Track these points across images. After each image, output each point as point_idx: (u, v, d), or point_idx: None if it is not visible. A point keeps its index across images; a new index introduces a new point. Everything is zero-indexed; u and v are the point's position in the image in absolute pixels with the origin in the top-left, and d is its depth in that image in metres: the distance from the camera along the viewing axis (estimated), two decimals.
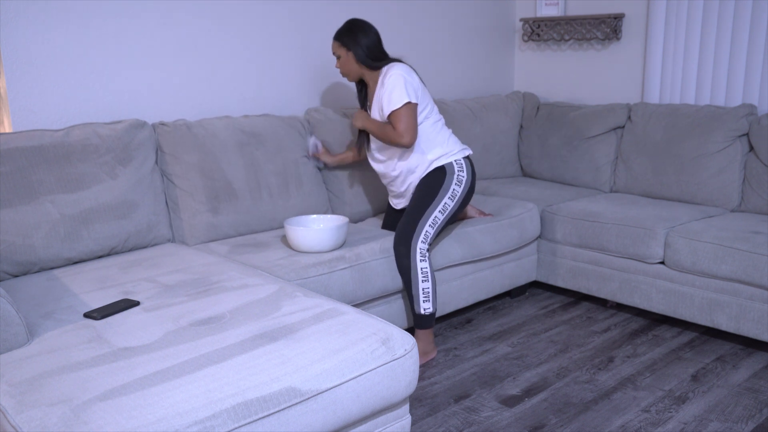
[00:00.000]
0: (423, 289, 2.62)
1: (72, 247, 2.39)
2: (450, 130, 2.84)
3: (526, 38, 4.19)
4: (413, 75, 2.69)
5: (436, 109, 2.81)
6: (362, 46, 2.71)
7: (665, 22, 3.54)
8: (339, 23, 3.43)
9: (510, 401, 2.40)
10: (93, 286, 2.16)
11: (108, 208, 2.48)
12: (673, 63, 3.54)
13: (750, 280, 2.61)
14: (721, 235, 2.71)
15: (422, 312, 2.63)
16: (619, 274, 3.03)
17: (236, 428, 1.43)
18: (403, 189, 2.83)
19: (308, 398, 1.55)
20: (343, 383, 1.62)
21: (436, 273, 2.87)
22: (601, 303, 3.30)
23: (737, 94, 3.35)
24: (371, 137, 2.83)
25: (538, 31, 4.10)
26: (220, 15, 3.01)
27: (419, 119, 2.70)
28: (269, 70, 3.22)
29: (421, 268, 2.61)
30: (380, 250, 2.62)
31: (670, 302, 2.88)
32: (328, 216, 2.75)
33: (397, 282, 2.67)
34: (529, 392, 2.46)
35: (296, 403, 1.53)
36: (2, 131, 2.55)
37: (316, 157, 3.06)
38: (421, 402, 2.40)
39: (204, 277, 2.20)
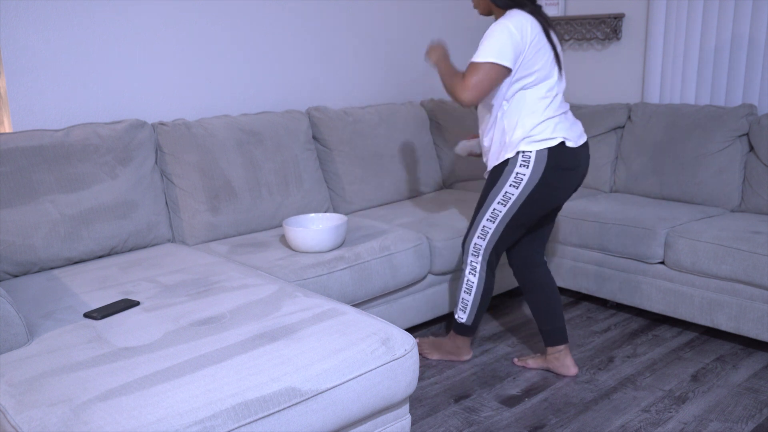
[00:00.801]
0: (462, 298, 2.54)
1: (72, 247, 2.39)
2: (561, 112, 2.31)
3: None
4: (526, 31, 2.20)
5: (552, 80, 2.29)
6: None
7: (665, 22, 3.54)
8: (338, 22, 3.43)
9: (510, 401, 2.40)
10: (93, 286, 2.16)
11: (108, 208, 2.48)
12: (673, 63, 3.54)
13: (750, 280, 2.61)
14: (721, 235, 2.71)
15: (455, 318, 2.59)
16: (619, 274, 3.03)
17: (236, 428, 1.43)
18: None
19: (308, 398, 1.55)
20: (343, 383, 1.62)
21: (445, 275, 2.87)
22: (601, 303, 3.30)
23: (737, 94, 3.35)
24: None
25: None
26: (220, 15, 3.01)
27: (517, 85, 2.26)
28: (269, 69, 3.22)
29: (467, 280, 2.49)
30: (380, 248, 2.62)
31: (670, 302, 2.88)
32: (327, 215, 2.75)
33: (397, 281, 2.67)
34: (529, 392, 2.46)
35: (296, 403, 1.53)
36: (2, 131, 2.55)
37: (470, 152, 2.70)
38: (421, 402, 2.40)
39: (204, 277, 2.20)
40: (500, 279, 3.16)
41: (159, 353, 1.65)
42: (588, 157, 2.42)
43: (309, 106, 3.32)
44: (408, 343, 1.78)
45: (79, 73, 2.67)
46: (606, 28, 3.78)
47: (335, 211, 3.18)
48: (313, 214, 2.76)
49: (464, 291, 2.53)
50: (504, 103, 2.31)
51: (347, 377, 1.63)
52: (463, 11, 3.99)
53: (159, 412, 1.39)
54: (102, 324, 1.84)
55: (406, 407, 1.86)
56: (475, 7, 2.41)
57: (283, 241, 2.71)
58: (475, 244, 2.45)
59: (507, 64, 2.19)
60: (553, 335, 2.55)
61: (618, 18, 3.74)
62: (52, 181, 2.39)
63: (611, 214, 3.05)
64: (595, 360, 2.70)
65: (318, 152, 3.18)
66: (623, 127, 3.57)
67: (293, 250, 2.58)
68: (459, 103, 2.24)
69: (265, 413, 1.48)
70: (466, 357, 2.69)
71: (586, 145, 2.40)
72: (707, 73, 3.43)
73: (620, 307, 3.24)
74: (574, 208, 3.19)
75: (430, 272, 2.87)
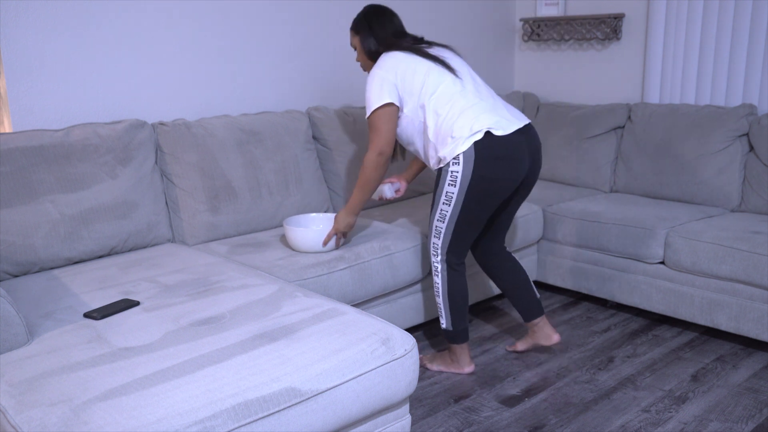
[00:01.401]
0: (437, 303, 2.52)
1: (72, 247, 2.39)
2: (473, 104, 2.34)
3: (526, 38, 4.19)
4: (390, 66, 2.37)
5: (446, 85, 2.36)
6: (375, 36, 2.48)
7: (665, 22, 3.54)
8: (338, 21, 3.43)
9: (510, 401, 2.40)
10: (93, 286, 2.16)
11: (108, 208, 2.49)
12: (673, 63, 3.54)
13: (750, 280, 2.61)
14: (721, 235, 2.71)
15: (440, 325, 2.58)
16: (619, 274, 3.03)
17: (236, 428, 1.43)
18: None
19: (308, 398, 1.55)
20: (343, 383, 1.62)
21: None
22: (601, 303, 3.30)
23: (737, 94, 3.35)
24: (398, 143, 2.66)
25: (538, 31, 4.10)
26: (220, 15, 3.01)
27: (416, 108, 2.39)
28: (269, 69, 3.22)
29: (434, 283, 2.50)
30: (380, 248, 2.62)
31: (670, 302, 2.88)
32: (328, 215, 2.75)
33: (397, 281, 2.67)
34: (529, 392, 2.46)
35: (296, 403, 1.53)
36: (2, 131, 2.55)
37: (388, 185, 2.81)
38: (421, 402, 2.40)
39: (204, 277, 2.20)
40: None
41: (159, 353, 1.65)
42: (528, 144, 2.38)
43: (309, 106, 3.32)
44: (408, 343, 1.78)
45: (79, 73, 2.67)
46: (606, 28, 3.78)
47: (335, 210, 3.18)
48: (314, 214, 2.76)
49: (435, 295, 2.52)
50: (421, 128, 2.42)
51: (347, 377, 1.63)
52: (464, 11, 4.00)
53: (159, 412, 1.39)
54: (102, 324, 1.84)
55: (406, 407, 1.86)
56: (362, 66, 2.60)
57: (283, 240, 2.71)
58: (433, 243, 2.46)
59: (389, 101, 2.36)
60: (529, 310, 2.63)
61: (618, 18, 3.74)
62: (52, 181, 2.39)
63: (611, 214, 3.05)
64: (595, 360, 2.70)
65: (318, 152, 3.18)
66: (623, 127, 3.57)
67: (293, 250, 2.58)
68: (383, 161, 2.41)
69: (265, 413, 1.48)
70: (468, 369, 2.59)
71: (522, 131, 2.36)
72: (707, 73, 3.43)
73: (620, 307, 3.24)
74: (574, 208, 3.19)
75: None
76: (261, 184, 2.86)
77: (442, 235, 2.42)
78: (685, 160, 3.23)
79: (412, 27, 3.75)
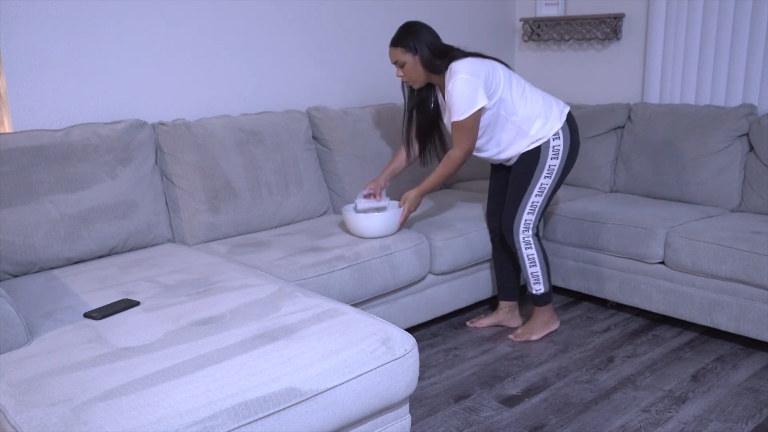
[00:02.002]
0: (532, 273, 2.77)
1: (72, 247, 2.39)
2: (540, 92, 2.72)
3: (526, 38, 4.19)
4: (475, 71, 2.50)
5: (514, 78, 2.65)
6: (427, 44, 2.56)
7: (665, 22, 3.54)
8: (338, 21, 3.43)
9: (510, 401, 2.40)
10: (93, 286, 2.16)
11: (108, 208, 2.48)
12: (673, 63, 3.54)
13: (750, 280, 2.61)
14: (721, 235, 2.71)
15: (534, 293, 2.82)
16: (619, 274, 3.03)
17: (236, 428, 1.43)
18: (508, 161, 2.81)
19: (308, 398, 1.55)
20: (343, 383, 1.62)
21: (445, 275, 2.87)
22: (601, 303, 3.30)
23: (737, 94, 3.35)
24: (443, 139, 2.88)
25: (538, 31, 4.10)
26: (220, 15, 3.01)
27: (495, 101, 2.58)
28: (269, 69, 3.22)
29: (527, 255, 2.75)
30: (380, 248, 2.62)
31: (670, 302, 2.88)
32: (380, 202, 2.83)
33: (397, 281, 2.67)
34: (529, 392, 2.46)
35: (296, 403, 1.53)
36: (2, 131, 2.55)
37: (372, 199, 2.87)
38: (421, 402, 2.40)
39: (204, 277, 2.20)
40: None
41: (159, 353, 1.65)
42: None
43: (309, 106, 3.32)
44: (408, 343, 1.77)
45: (79, 73, 2.67)
46: (606, 28, 3.78)
47: (335, 210, 3.18)
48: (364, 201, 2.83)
49: (529, 266, 2.77)
50: (504, 121, 2.65)
51: (347, 377, 1.63)
52: (464, 11, 4.00)
53: (159, 412, 1.39)
54: (102, 324, 1.84)
55: (406, 407, 1.86)
56: (411, 82, 2.68)
57: (343, 227, 2.72)
58: (525, 220, 2.72)
59: (482, 104, 2.53)
60: (509, 291, 3.00)
61: (618, 18, 3.74)
62: (52, 181, 2.39)
63: (611, 214, 3.05)
64: (595, 360, 2.70)
65: (318, 152, 3.18)
66: (623, 127, 3.57)
67: (362, 237, 2.68)
68: (464, 161, 2.63)
69: (265, 413, 1.48)
70: (557, 324, 2.93)
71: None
72: (707, 73, 3.43)
73: (620, 307, 3.24)
74: (574, 208, 3.19)
75: (430, 272, 2.87)
76: (261, 184, 2.86)
77: (537, 210, 2.72)
78: (685, 160, 3.23)
79: None
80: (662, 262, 2.90)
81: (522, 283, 3.13)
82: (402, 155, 2.91)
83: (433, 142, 2.89)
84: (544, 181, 2.68)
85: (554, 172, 2.68)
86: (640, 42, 3.73)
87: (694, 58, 3.46)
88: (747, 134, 3.15)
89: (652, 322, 3.07)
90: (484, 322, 3.02)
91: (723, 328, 2.74)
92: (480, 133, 2.67)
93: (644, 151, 3.39)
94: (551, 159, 2.66)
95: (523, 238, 2.74)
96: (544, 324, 2.89)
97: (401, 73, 2.64)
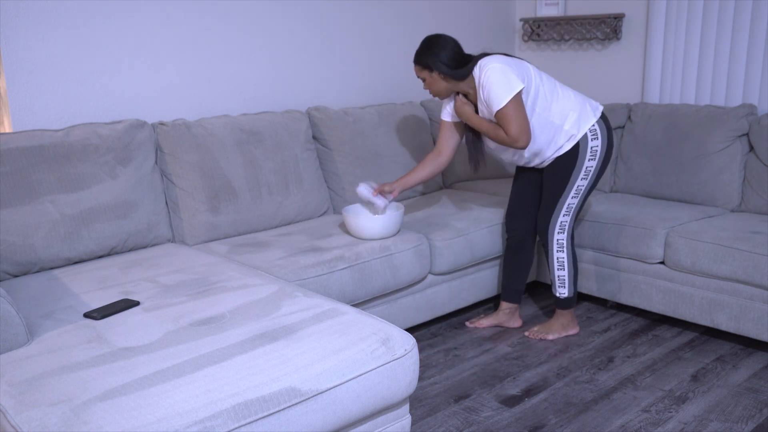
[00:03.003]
0: (558, 276, 2.78)
1: (72, 247, 2.39)
2: (572, 90, 2.68)
3: (526, 38, 4.19)
4: (505, 61, 2.51)
5: (544, 76, 2.63)
6: (443, 60, 2.54)
7: (665, 22, 3.54)
8: (339, 22, 3.43)
9: (510, 401, 2.40)
10: (93, 286, 2.16)
11: (108, 208, 2.48)
12: (673, 63, 3.54)
13: (750, 280, 2.61)
14: (721, 235, 2.71)
15: (557, 295, 2.83)
16: (619, 274, 3.03)
17: (236, 428, 1.43)
18: (541, 164, 2.75)
19: (308, 398, 1.55)
20: (343, 383, 1.62)
21: (445, 276, 2.87)
22: (601, 303, 3.30)
23: (737, 94, 3.35)
24: (483, 139, 2.71)
25: (538, 31, 4.10)
26: (220, 15, 3.01)
27: (532, 98, 2.54)
28: (269, 69, 3.22)
29: (557, 258, 2.75)
30: (380, 248, 2.62)
31: (670, 302, 2.88)
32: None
33: (397, 281, 2.67)
34: (529, 392, 2.46)
35: (296, 403, 1.53)
36: (2, 131, 2.55)
37: (379, 196, 2.76)
38: (421, 402, 2.40)
39: (204, 277, 2.20)
40: (499, 280, 3.16)
41: (159, 353, 1.65)
42: None
43: (309, 106, 3.32)
44: (408, 343, 1.77)
45: (79, 73, 2.67)
46: (606, 28, 3.78)
47: (335, 210, 3.18)
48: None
49: (557, 269, 2.77)
50: (534, 113, 2.56)
51: (347, 377, 1.63)
52: (463, 11, 3.99)
53: (159, 412, 1.39)
54: (102, 324, 1.84)
55: (406, 407, 1.86)
56: (435, 95, 2.67)
57: (343, 228, 2.73)
58: (561, 222, 2.72)
59: (520, 86, 2.46)
60: (513, 294, 2.99)
61: (618, 18, 3.74)
62: (52, 181, 2.39)
63: (611, 214, 3.05)
64: (595, 360, 2.70)
65: (318, 152, 3.18)
66: (623, 127, 3.56)
67: (360, 238, 2.68)
68: (524, 146, 2.51)
69: (265, 413, 1.48)
70: (577, 329, 2.91)
71: None
72: (707, 73, 3.43)
73: (620, 307, 3.24)
74: None
75: (430, 272, 2.87)
76: (261, 184, 2.86)
77: (572, 211, 2.70)
78: (685, 160, 3.23)
79: (412, 27, 3.75)
80: (662, 262, 2.90)
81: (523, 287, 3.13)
82: (432, 168, 2.79)
83: (479, 149, 2.77)
84: (581, 183, 2.66)
85: (591, 174, 2.66)
86: (640, 42, 3.73)
87: (694, 58, 3.46)
88: (747, 134, 3.15)
89: (652, 322, 3.07)
90: (484, 322, 3.02)
91: (723, 328, 2.74)
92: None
93: (644, 151, 3.39)
94: (589, 160, 2.63)
95: (558, 240, 2.73)
96: (562, 326, 2.89)
97: (426, 87, 2.66)
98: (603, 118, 2.68)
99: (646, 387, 2.48)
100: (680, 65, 3.52)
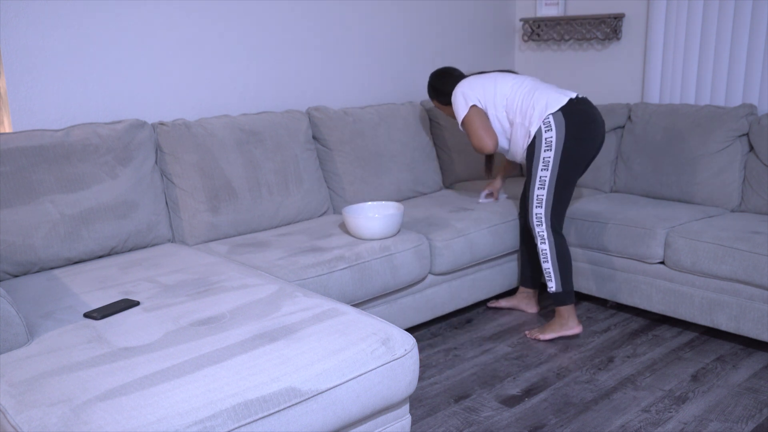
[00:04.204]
0: (544, 269, 2.80)
1: (72, 247, 2.39)
2: (541, 88, 2.81)
3: (526, 38, 4.19)
4: (473, 82, 2.90)
5: (518, 82, 2.86)
6: (431, 92, 3.09)
7: (665, 22, 3.54)
8: (338, 21, 3.43)
9: (510, 401, 2.40)
10: (93, 286, 2.16)
11: (108, 208, 2.49)
12: (673, 63, 3.54)
13: (750, 280, 2.61)
14: (721, 235, 2.71)
15: (548, 290, 2.84)
16: (619, 274, 3.03)
17: (236, 428, 1.43)
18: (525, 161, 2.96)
19: (308, 398, 1.55)
20: (343, 383, 1.62)
21: (445, 276, 2.87)
22: (601, 303, 3.30)
23: (737, 94, 3.35)
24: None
25: (538, 31, 4.10)
26: (220, 15, 3.01)
27: (504, 112, 2.85)
28: (269, 69, 3.22)
29: (541, 250, 2.79)
30: (380, 249, 2.62)
31: (670, 302, 2.88)
32: (382, 203, 2.90)
33: (397, 281, 2.67)
34: (529, 392, 2.46)
35: (296, 403, 1.53)
36: (2, 131, 2.55)
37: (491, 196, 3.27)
38: (421, 402, 2.40)
39: (204, 277, 2.20)
40: (500, 279, 3.16)
41: (159, 353, 1.65)
42: (597, 110, 2.85)
43: (309, 106, 3.32)
44: (408, 343, 1.78)
45: (79, 73, 2.67)
46: (606, 28, 3.78)
47: (336, 210, 3.18)
48: (369, 203, 2.89)
49: (543, 261, 2.80)
50: (506, 124, 2.88)
51: (347, 377, 1.63)
52: (463, 11, 3.99)
53: (159, 412, 1.39)
54: (102, 324, 1.84)
55: (406, 407, 1.86)
56: (449, 115, 3.15)
57: (343, 228, 2.78)
58: (536, 214, 2.76)
59: (471, 104, 2.85)
60: (526, 279, 3.15)
61: (618, 18, 3.74)
62: (52, 181, 2.39)
63: (611, 214, 3.05)
64: (595, 360, 2.70)
65: (318, 152, 3.18)
66: (623, 127, 3.56)
67: (360, 238, 2.70)
68: (487, 152, 2.88)
69: (265, 413, 1.48)
70: (578, 329, 2.84)
71: (590, 103, 2.81)
72: (707, 73, 3.43)
73: (620, 307, 3.24)
74: (573, 208, 3.19)
75: (430, 272, 2.87)
76: (261, 184, 2.86)
77: (544, 202, 2.74)
78: (685, 160, 3.23)
79: (412, 27, 3.75)
80: (662, 262, 2.90)
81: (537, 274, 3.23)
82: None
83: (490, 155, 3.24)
84: (542, 174, 2.72)
85: (551, 164, 2.70)
86: (640, 42, 3.73)
87: (694, 58, 3.46)
88: (747, 134, 3.15)
89: (652, 322, 3.07)
90: (503, 303, 3.19)
91: (723, 328, 2.74)
92: (509, 141, 2.91)
93: (644, 151, 3.39)
94: (545, 151, 2.70)
95: (538, 231, 2.79)
96: (560, 326, 2.86)
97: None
98: (566, 110, 2.71)
99: (646, 387, 2.48)
100: (680, 65, 3.52)
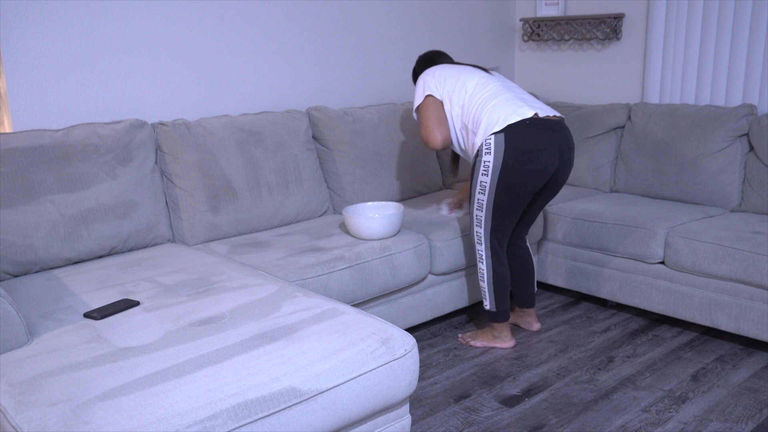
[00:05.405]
0: (480, 286, 2.71)
1: (72, 247, 2.39)
2: (500, 97, 2.51)
3: (526, 38, 4.19)
4: (438, 71, 2.67)
5: (474, 80, 2.59)
6: (416, 76, 2.92)
7: (665, 22, 3.54)
8: (338, 21, 3.43)
9: (510, 401, 2.40)
10: (93, 286, 2.16)
11: (108, 208, 2.49)
12: (673, 63, 3.54)
13: (750, 280, 2.61)
14: (721, 235, 2.71)
15: (484, 306, 2.75)
16: (619, 274, 3.03)
17: (236, 428, 1.43)
18: None
19: (308, 398, 1.55)
20: (343, 383, 1.62)
21: (445, 276, 2.87)
22: (601, 303, 3.30)
23: (737, 94, 3.35)
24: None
25: (538, 31, 4.10)
26: (220, 15, 3.02)
27: (456, 108, 2.59)
28: (269, 69, 3.22)
29: (479, 269, 2.68)
30: (380, 249, 2.62)
31: (670, 302, 2.88)
32: (382, 203, 2.89)
33: (397, 281, 2.67)
34: (529, 392, 2.46)
35: (296, 403, 1.53)
36: (2, 131, 2.55)
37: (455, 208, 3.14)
38: (421, 402, 2.40)
39: (204, 277, 2.20)
40: None
41: (159, 353, 1.65)
42: (559, 141, 2.49)
43: (309, 106, 3.32)
44: (408, 343, 1.78)
45: (79, 73, 2.67)
46: (606, 28, 3.78)
47: (335, 210, 3.18)
48: (370, 203, 2.88)
49: (480, 280, 2.70)
50: (459, 124, 2.62)
51: (347, 377, 1.63)
52: (463, 11, 4.00)
53: (159, 412, 1.39)
54: (102, 324, 1.84)
55: (406, 407, 1.86)
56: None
57: (342, 229, 2.79)
58: (476, 232, 2.63)
59: (430, 92, 2.61)
60: (524, 299, 2.93)
61: (618, 18, 3.74)
62: (52, 181, 2.39)
63: (611, 214, 3.05)
64: (595, 360, 2.70)
65: (318, 152, 3.18)
66: (623, 127, 3.57)
67: (361, 238, 2.69)
68: (433, 146, 2.62)
69: (265, 413, 1.48)
70: (510, 344, 2.80)
71: (555, 129, 2.48)
72: (707, 73, 3.43)
73: (620, 307, 3.24)
74: (574, 208, 3.19)
75: (430, 272, 2.87)
76: (261, 184, 2.86)
77: (483, 223, 2.58)
78: (685, 160, 3.23)
79: (412, 27, 3.75)
80: (662, 262, 2.90)
81: (536, 290, 3.19)
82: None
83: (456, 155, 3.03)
84: (479, 196, 2.52)
85: (486, 189, 2.48)
86: (640, 42, 3.73)
87: (694, 58, 3.46)
88: (747, 134, 3.15)
89: (652, 322, 3.07)
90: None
91: (723, 328, 2.74)
92: (461, 144, 2.68)
93: (644, 151, 3.39)
94: (482, 174, 2.47)
95: (477, 250, 2.65)
96: (492, 337, 2.80)
97: None
98: (510, 133, 2.41)
99: (646, 387, 2.48)
100: (680, 65, 3.52)
